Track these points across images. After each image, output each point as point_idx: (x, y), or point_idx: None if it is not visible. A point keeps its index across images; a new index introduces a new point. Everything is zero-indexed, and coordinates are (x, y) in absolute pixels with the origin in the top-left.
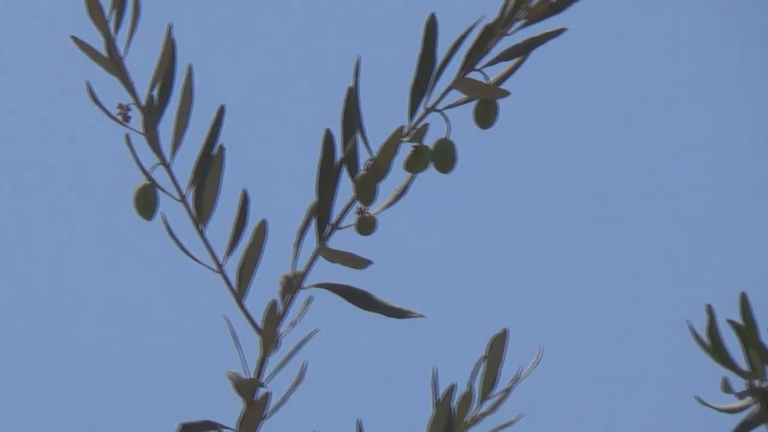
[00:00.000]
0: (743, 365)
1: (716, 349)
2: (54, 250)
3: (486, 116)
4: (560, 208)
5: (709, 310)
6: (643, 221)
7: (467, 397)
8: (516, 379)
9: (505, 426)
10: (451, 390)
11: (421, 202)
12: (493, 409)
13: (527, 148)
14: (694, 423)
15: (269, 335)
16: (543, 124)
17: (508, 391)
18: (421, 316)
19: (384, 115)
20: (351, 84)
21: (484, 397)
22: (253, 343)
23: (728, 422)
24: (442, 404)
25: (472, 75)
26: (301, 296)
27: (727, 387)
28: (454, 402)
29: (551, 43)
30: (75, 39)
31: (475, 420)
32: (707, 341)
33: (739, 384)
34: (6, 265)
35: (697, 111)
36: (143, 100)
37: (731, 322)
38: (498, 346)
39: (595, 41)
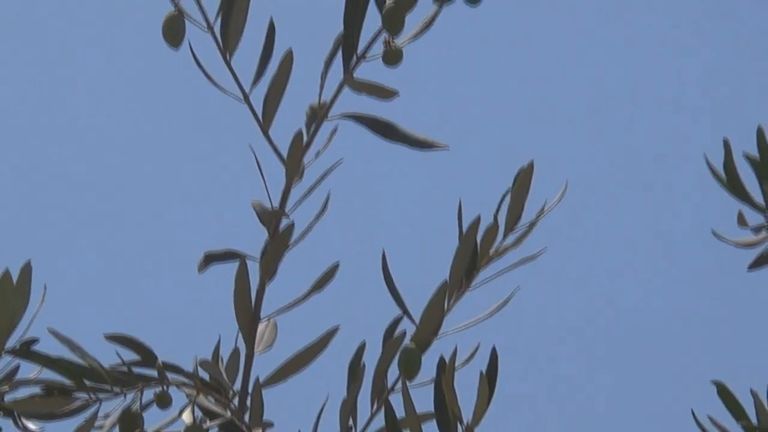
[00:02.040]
0: (760, 199)
1: (733, 183)
2: (84, 78)
3: None
4: (588, 37)
5: (726, 144)
6: (662, 55)
7: (492, 230)
8: (541, 212)
9: (529, 259)
10: (476, 223)
11: (449, 33)
12: (518, 242)
13: None
14: (711, 257)
15: (294, 165)
16: None
17: (533, 224)
18: (446, 147)
19: None
20: None
21: (510, 230)
22: (278, 174)
23: (745, 256)
24: (467, 237)
25: None
26: (326, 127)
27: (743, 221)
28: (479, 235)
29: None
30: None
31: (500, 253)
32: (724, 175)
33: (755, 218)
34: (42, 106)
35: None
36: None
37: (748, 156)
38: (524, 178)
39: None
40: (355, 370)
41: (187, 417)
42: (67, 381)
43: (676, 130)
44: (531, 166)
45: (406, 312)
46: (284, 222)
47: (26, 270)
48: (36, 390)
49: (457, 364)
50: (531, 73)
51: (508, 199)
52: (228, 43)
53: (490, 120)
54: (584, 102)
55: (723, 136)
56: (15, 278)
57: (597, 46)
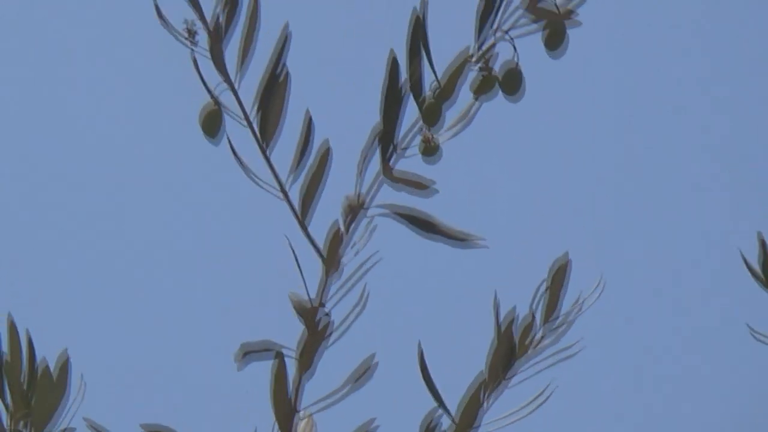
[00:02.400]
0: None
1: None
2: (119, 168)
3: (555, 42)
4: (624, 137)
5: (762, 240)
6: (700, 151)
7: (529, 324)
8: (577, 307)
9: (566, 356)
10: (512, 316)
11: (487, 127)
12: (556, 338)
13: (596, 75)
14: (745, 352)
15: (332, 259)
16: (613, 52)
17: (570, 321)
18: (484, 242)
19: (451, 38)
20: (418, 6)
21: (546, 322)
22: (315, 267)
23: None
24: (503, 330)
25: (543, 3)
26: (364, 220)
27: None
28: (516, 328)
29: None
30: None
31: (536, 347)
32: (759, 270)
33: None
34: (78, 184)
35: None
36: (210, 21)
37: None
38: (560, 272)
39: None
40: None
41: None
42: None
43: (712, 224)
44: (566, 258)
45: (442, 406)
46: (322, 314)
47: (64, 363)
48: None
49: None
50: (567, 166)
51: (544, 291)
52: (266, 136)
53: (526, 212)
54: (620, 197)
55: (758, 231)
56: (53, 369)
57: (629, 143)
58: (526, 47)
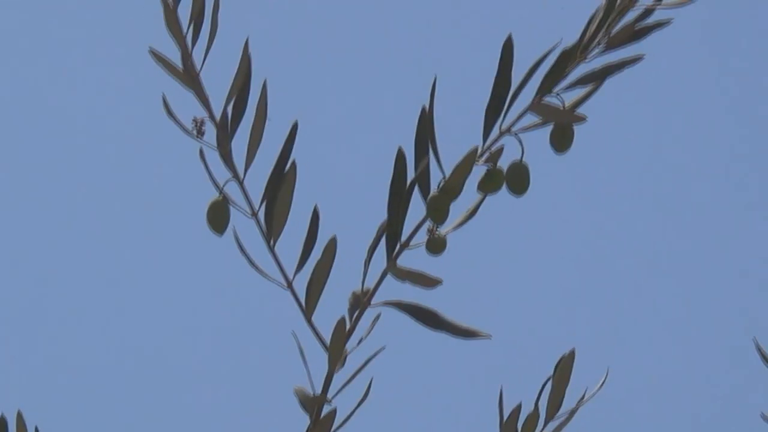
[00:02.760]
0: None
1: None
2: (129, 262)
3: (562, 141)
4: (631, 234)
5: None
6: (712, 245)
7: (533, 418)
8: (582, 400)
9: None
10: (517, 410)
11: (493, 223)
12: (559, 430)
13: (602, 173)
14: None
15: (337, 352)
16: (619, 150)
17: (573, 412)
18: (489, 336)
19: (458, 135)
20: (426, 103)
21: (550, 417)
22: (320, 360)
23: None
24: (507, 424)
25: (549, 99)
26: (369, 313)
27: None
28: (520, 422)
29: (629, 70)
30: (153, 52)
31: None
32: None
33: None
34: (94, 275)
35: None
36: (218, 115)
37: None
38: (565, 366)
39: (674, 68)
40: None
41: None
42: None
43: (724, 311)
44: (572, 353)
45: None
46: (326, 408)
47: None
48: None
49: None
50: (574, 260)
51: (549, 386)
52: (272, 230)
53: (531, 307)
54: (626, 290)
55: None
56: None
57: (633, 237)
58: (534, 142)
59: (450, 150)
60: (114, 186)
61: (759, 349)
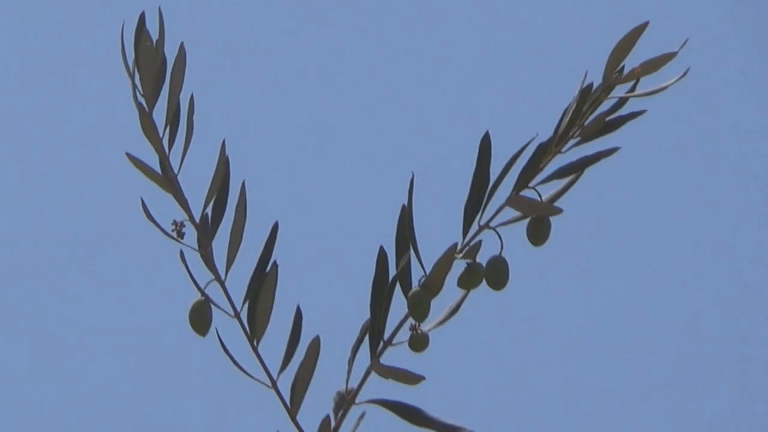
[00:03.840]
0: None
1: None
2: (112, 362)
3: (539, 234)
4: (614, 327)
5: None
6: (696, 329)
7: None
8: None
9: None
10: None
11: (475, 319)
12: None
13: (580, 265)
14: None
15: None
16: (596, 242)
17: None
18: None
19: (437, 232)
20: (405, 201)
21: None
22: None
23: None
24: None
25: (526, 193)
26: (354, 412)
27: None
28: None
29: (605, 161)
30: (130, 156)
31: None
32: None
33: None
34: (80, 386)
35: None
36: (198, 217)
37: None
38: None
39: (649, 159)
40: None
41: None
42: None
43: (707, 399)
44: None
45: None
46: None
47: None
48: None
49: None
50: (554, 353)
51: None
52: (255, 330)
53: (514, 403)
54: (607, 382)
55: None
56: None
57: (615, 331)
58: (513, 236)
59: (430, 247)
60: (94, 289)
61: None
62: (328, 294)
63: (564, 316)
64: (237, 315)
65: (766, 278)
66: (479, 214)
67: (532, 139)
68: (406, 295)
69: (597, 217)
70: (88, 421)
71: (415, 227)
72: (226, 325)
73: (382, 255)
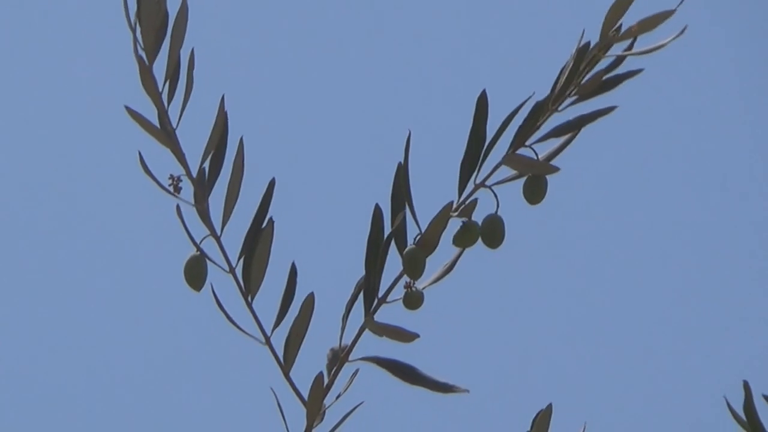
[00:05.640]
0: None
1: (753, 426)
2: (106, 318)
3: (535, 192)
4: (607, 288)
5: (746, 386)
6: (684, 296)
7: None
8: None
9: None
10: None
11: (470, 277)
12: None
13: (576, 224)
14: None
15: (315, 408)
16: (592, 200)
17: None
18: (466, 391)
19: (433, 190)
20: (401, 159)
21: None
22: (298, 415)
23: None
24: None
25: (522, 151)
26: (347, 369)
27: None
28: None
29: (602, 120)
30: (128, 109)
31: None
32: (744, 417)
33: None
34: (69, 333)
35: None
36: (195, 172)
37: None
38: (542, 421)
39: (646, 117)
40: None
41: None
42: None
43: (695, 369)
44: (549, 408)
45: None
46: None
47: None
48: None
49: None
50: (549, 311)
51: None
52: (249, 286)
53: (508, 361)
54: (600, 342)
55: (744, 380)
56: None
57: (609, 289)
58: (508, 195)
59: (426, 205)
60: (90, 243)
61: (730, 408)
62: (323, 251)
63: (559, 274)
64: (232, 271)
65: (764, 235)
66: (475, 172)
67: (529, 98)
68: (401, 252)
69: (593, 175)
70: (77, 371)
71: (410, 185)
72: (220, 280)
73: (377, 212)
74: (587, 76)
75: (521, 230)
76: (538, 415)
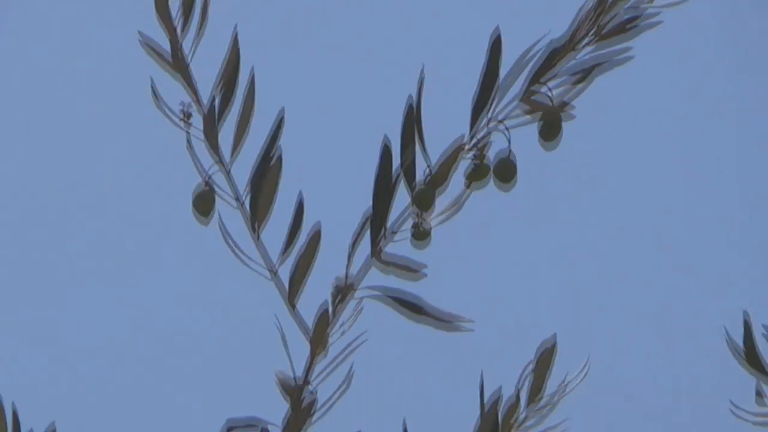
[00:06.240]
0: None
1: (751, 358)
2: (111, 247)
3: (550, 134)
4: (616, 227)
5: (746, 317)
6: (686, 233)
7: (514, 405)
8: (563, 388)
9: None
10: (497, 397)
11: (478, 215)
12: (540, 419)
13: (590, 168)
14: (728, 431)
15: (319, 339)
16: (606, 144)
17: (554, 400)
18: (471, 326)
19: (445, 127)
20: (413, 94)
21: (531, 404)
22: (302, 347)
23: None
24: (488, 411)
25: (537, 92)
26: (352, 302)
27: (761, 395)
28: (501, 409)
29: (619, 68)
30: (142, 38)
31: (521, 427)
32: (743, 349)
33: None
34: (75, 258)
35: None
36: (206, 104)
37: None
38: (546, 354)
39: (662, 67)
40: None
41: None
42: None
43: (694, 302)
44: (553, 341)
45: None
46: (307, 394)
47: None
48: None
49: None
50: (556, 249)
51: (530, 371)
52: (257, 217)
53: (514, 295)
54: (605, 277)
55: (744, 311)
56: None
57: (616, 229)
58: (521, 135)
59: (437, 142)
60: (97, 171)
61: (728, 341)
62: (331, 185)
63: (568, 215)
64: (240, 203)
65: None
66: (488, 110)
67: (544, 36)
68: (410, 188)
69: (609, 120)
70: (81, 304)
71: (422, 122)
72: (228, 212)
73: (387, 147)
74: (607, 20)
75: (532, 170)
76: (541, 347)
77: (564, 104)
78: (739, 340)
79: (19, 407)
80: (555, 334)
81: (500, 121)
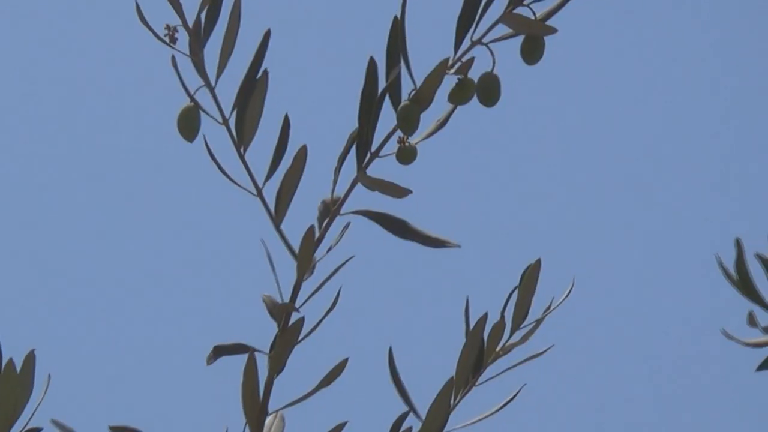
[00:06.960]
0: None
1: (744, 283)
2: (94, 168)
3: (532, 52)
4: (599, 147)
5: (738, 243)
6: (677, 157)
7: (499, 327)
8: (548, 310)
9: (536, 356)
10: (483, 320)
11: (462, 133)
12: (525, 339)
13: (572, 85)
14: (720, 356)
15: (305, 260)
16: (589, 61)
17: (539, 321)
18: (457, 245)
19: (429, 45)
20: (397, 12)
21: (516, 327)
22: (289, 268)
23: (754, 356)
24: (473, 333)
25: (520, 10)
26: (338, 222)
27: (753, 321)
28: (486, 332)
29: None
30: None
31: (506, 350)
32: (735, 275)
33: (765, 318)
34: (56, 182)
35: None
36: (191, 22)
37: (760, 257)
38: (531, 276)
39: None
40: None
41: None
42: None
43: (688, 227)
44: (538, 263)
45: (412, 408)
46: (294, 316)
47: (30, 360)
48: None
49: None
50: (541, 170)
51: (515, 296)
52: (242, 137)
53: (499, 216)
54: (592, 200)
55: (736, 236)
56: (18, 367)
57: (603, 149)
58: (505, 53)
59: (421, 60)
60: (82, 93)
61: (721, 266)
62: (317, 104)
63: (552, 133)
64: (225, 122)
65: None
66: (472, 29)
67: None
68: (395, 107)
69: (591, 37)
70: (64, 225)
71: (407, 40)
72: (214, 132)
73: (371, 66)
74: None
75: (517, 89)
76: (526, 269)
77: (546, 24)
78: (731, 267)
79: None
80: (540, 258)
81: (482, 41)
